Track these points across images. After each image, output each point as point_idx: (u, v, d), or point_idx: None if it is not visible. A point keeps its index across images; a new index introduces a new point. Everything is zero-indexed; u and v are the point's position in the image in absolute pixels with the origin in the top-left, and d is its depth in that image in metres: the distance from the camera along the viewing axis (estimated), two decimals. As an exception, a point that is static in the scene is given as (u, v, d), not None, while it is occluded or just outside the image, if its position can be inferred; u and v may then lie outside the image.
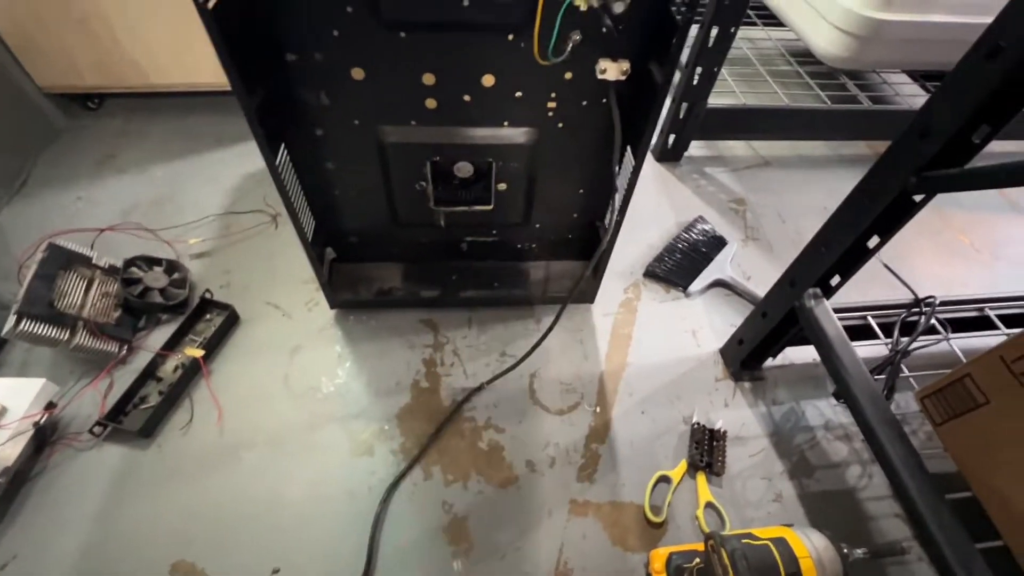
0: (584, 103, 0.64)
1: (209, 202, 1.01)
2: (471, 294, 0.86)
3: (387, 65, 0.58)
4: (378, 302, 0.86)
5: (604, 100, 0.64)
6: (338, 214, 0.78)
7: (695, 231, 1.01)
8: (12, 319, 0.68)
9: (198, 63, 1.07)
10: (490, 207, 0.75)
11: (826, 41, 1.21)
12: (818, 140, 1.26)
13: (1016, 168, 0.39)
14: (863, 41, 1.14)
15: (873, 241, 0.59)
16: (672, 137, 1.13)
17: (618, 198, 0.67)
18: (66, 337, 0.72)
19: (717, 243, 1.00)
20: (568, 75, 0.61)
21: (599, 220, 0.83)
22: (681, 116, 1.08)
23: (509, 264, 0.89)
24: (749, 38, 1.47)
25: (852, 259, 0.62)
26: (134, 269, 0.83)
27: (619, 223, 0.71)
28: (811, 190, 1.14)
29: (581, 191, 0.77)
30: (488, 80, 0.60)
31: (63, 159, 1.07)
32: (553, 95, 0.63)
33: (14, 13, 0.97)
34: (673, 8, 0.53)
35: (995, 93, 0.42)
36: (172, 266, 0.86)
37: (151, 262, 0.85)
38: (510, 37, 0.56)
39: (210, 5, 0.45)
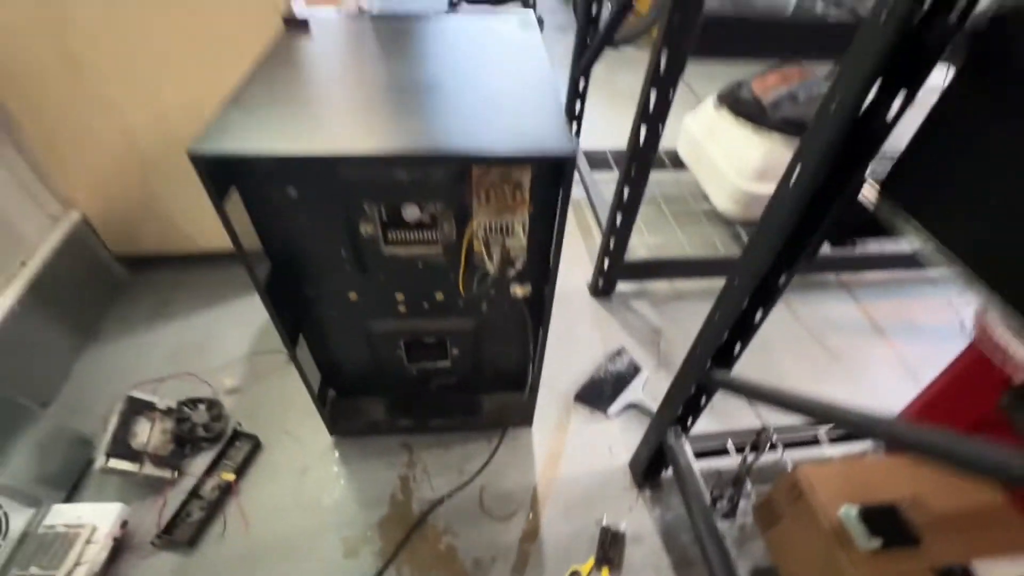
0: (506, 305, 0.94)
1: (239, 344, 1.30)
2: (438, 422, 1.13)
3: (371, 291, 0.89)
4: (366, 430, 1.13)
5: (517, 301, 0.94)
6: (338, 369, 1.06)
7: (617, 360, 1.30)
8: (103, 459, 0.95)
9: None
10: (448, 363, 1.04)
11: (722, 201, 1.55)
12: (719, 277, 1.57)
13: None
14: (746, 205, 1.48)
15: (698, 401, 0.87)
16: (601, 280, 1.44)
17: (535, 357, 0.96)
18: (137, 469, 0.99)
19: (634, 370, 1.28)
20: (492, 291, 0.91)
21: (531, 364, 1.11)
22: (604, 267, 1.40)
23: (467, 397, 1.16)
24: (659, 181, 1.82)
25: (695, 401, 0.89)
26: (184, 409, 1.10)
27: (537, 374, 1.00)
28: (716, 318, 1.43)
29: (513, 350, 1.06)
30: (439, 295, 0.91)
31: (127, 309, 1.37)
32: (484, 303, 0.93)
33: (98, 197, 1.30)
34: (550, 261, 0.84)
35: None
36: (212, 404, 1.14)
37: (196, 402, 1.13)
38: (450, 274, 0.87)
39: (263, 284, 0.76)
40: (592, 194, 1.64)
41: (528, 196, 0.71)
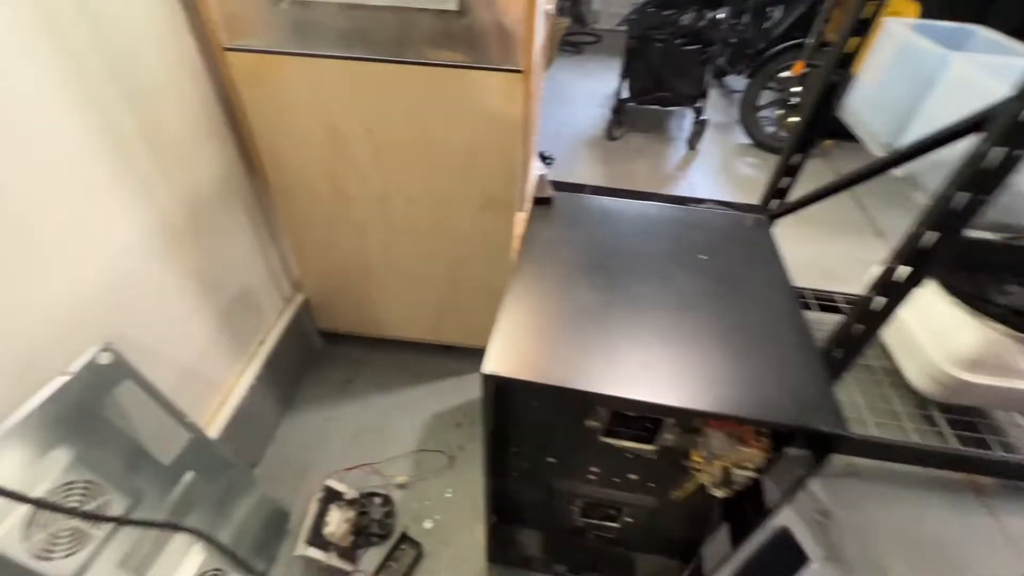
0: (698, 497, 0.93)
1: (410, 435, 1.42)
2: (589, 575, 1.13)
3: (570, 460, 0.93)
4: (521, 563, 1.16)
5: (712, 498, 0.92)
6: (508, 500, 1.12)
7: (779, 543, 1.21)
8: (303, 545, 1.08)
9: (419, 325, 1.54)
10: (618, 525, 1.04)
11: (918, 377, 1.42)
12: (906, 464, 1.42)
13: None
14: (950, 390, 1.34)
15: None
16: (768, 442, 1.37)
17: (719, 543, 0.93)
18: (325, 559, 1.10)
19: (799, 559, 1.19)
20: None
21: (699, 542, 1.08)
22: (776, 431, 1.33)
23: (623, 554, 1.15)
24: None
25: None
26: (365, 502, 1.22)
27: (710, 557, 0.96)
28: (897, 511, 1.29)
29: (687, 527, 1.04)
30: (634, 476, 0.92)
31: (318, 381, 1.56)
32: (676, 490, 0.93)
33: (321, 282, 1.50)
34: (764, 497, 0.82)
35: None
36: (386, 500, 1.24)
37: (373, 495, 1.24)
38: (655, 467, 0.88)
39: (489, 442, 0.82)
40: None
41: (771, 443, 0.71)
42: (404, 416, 1.47)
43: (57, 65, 0.75)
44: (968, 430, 1.41)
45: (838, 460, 1.41)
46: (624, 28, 2.72)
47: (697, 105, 2.74)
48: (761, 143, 2.87)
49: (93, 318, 0.85)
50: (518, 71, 0.99)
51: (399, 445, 1.39)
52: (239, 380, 1.25)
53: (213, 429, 1.14)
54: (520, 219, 1.24)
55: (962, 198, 0.80)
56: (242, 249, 1.24)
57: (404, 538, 1.19)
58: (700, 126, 2.78)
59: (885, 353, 1.55)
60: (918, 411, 1.48)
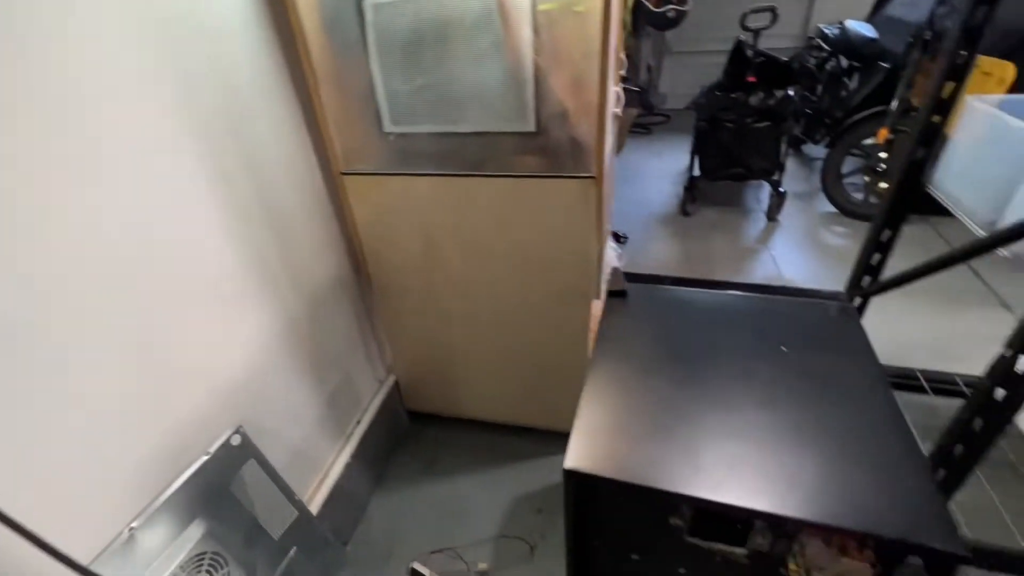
0: (801, 609, 0.85)
1: (490, 520, 1.43)
2: None
3: (656, 562, 0.90)
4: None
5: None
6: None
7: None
8: (389, 631, 1.10)
9: (498, 407, 1.60)
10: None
11: (1069, 477, 1.21)
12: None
13: None
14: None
15: None
16: None
17: None
18: (410, 648, 1.11)
19: None
20: None
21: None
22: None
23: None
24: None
25: None
26: (449, 589, 1.23)
27: None
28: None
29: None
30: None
31: (405, 460, 1.64)
32: None
33: (409, 365, 1.62)
34: None
35: None
36: (470, 588, 1.25)
37: (458, 582, 1.25)
38: (747, 572, 0.83)
39: (571, 536, 0.83)
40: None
41: (876, 556, 0.66)
42: (486, 498, 1.49)
43: (222, 199, 0.96)
44: None
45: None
46: (686, 107, 2.83)
47: (774, 178, 2.72)
48: (848, 211, 2.75)
49: (232, 405, 1.00)
50: (591, 177, 1.09)
51: (481, 529, 1.40)
52: (337, 459, 1.36)
53: (313, 506, 1.24)
54: (597, 306, 1.29)
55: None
56: (346, 339, 1.39)
57: (486, 632, 1.18)
58: (779, 198, 2.74)
59: (1027, 446, 1.35)
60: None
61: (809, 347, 0.88)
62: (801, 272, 2.42)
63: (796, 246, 2.61)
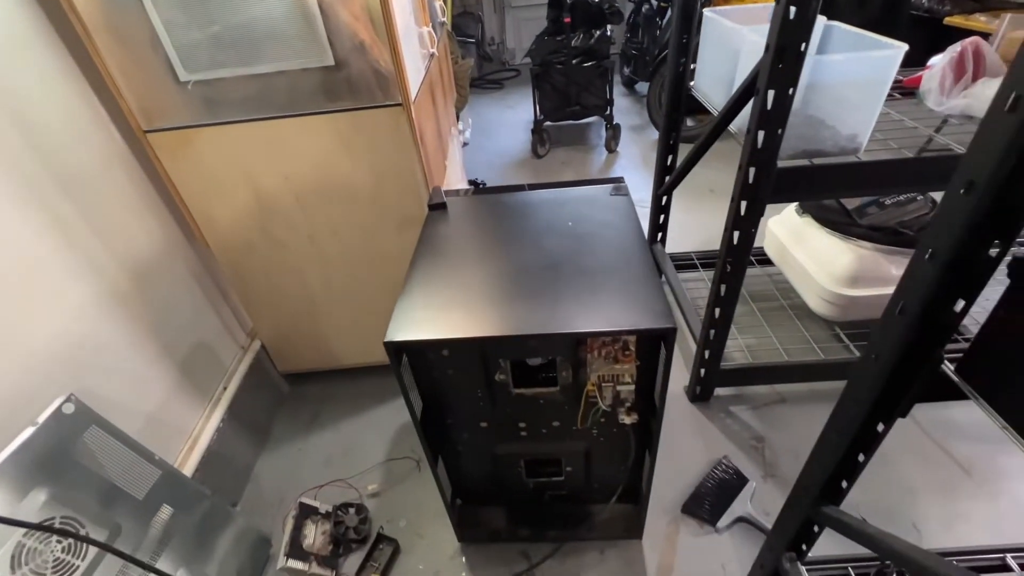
0: (614, 429, 1.06)
1: (377, 450, 1.52)
2: (553, 533, 1.23)
3: (499, 421, 1.05)
4: (489, 538, 1.26)
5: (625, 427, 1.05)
6: (466, 480, 1.22)
7: (720, 470, 1.33)
8: (283, 559, 1.16)
9: (372, 349, 1.66)
10: (562, 478, 1.16)
11: (816, 303, 1.58)
12: (818, 382, 1.56)
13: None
14: (842, 308, 1.51)
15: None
16: (698, 387, 1.51)
17: (646, 479, 1.05)
18: (306, 569, 1.18)
19: (740, 481, 1.31)
20: (602, 419, 1.04)
21: (639, 480, 1.19)
22: (701, 374, 1.47)
23: (579, 509, 1.26)
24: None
25: (808, 530, 0.92)
26: (339, 513, 1.31)
27: (646, 495, 1.08)
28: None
29: (621, 466, 1.16)
30: (556, 423, 1.05)
31: (288, 419, 1.66)
32: (595, 429, 1.05)
33: (274, 328, 1.62)
34: (656, 399, 0.95)
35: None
36: (359, 508, 1.33)
37: (347, 506, 1.33)
38: (566, 407, 1.01)
39: (418, 418, 0.95)
40: (681, 299, 1.74)
41: (635, 353, 0.85)
42: (371, 434, 1.57)
43: (-4, 165, 0.90)
44: (867, 340, 1.57)
45: (765, 390, 1.55)
46: (528, 60, 3.00)
47: (607, 113, 3.00)
48: (673, 136, 3.12)
49: (58, 376, 0.97)
50: (398, 104, 1.17)
51: (369, 459, 1.49)
52: (206, 424, 1.35)
53: (187, 468, 1.23)
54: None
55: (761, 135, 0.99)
56: (191, 306, 1.36)
57: (380, 538, 1.28)
58: (614, 131, 3.03)
59: (795, 292, 1.72)
60: (828, 333, 1.64)
61: (588, 219, 1.06)
62: (638, 190, 2.73)
63: (634, 170, 2.92)
